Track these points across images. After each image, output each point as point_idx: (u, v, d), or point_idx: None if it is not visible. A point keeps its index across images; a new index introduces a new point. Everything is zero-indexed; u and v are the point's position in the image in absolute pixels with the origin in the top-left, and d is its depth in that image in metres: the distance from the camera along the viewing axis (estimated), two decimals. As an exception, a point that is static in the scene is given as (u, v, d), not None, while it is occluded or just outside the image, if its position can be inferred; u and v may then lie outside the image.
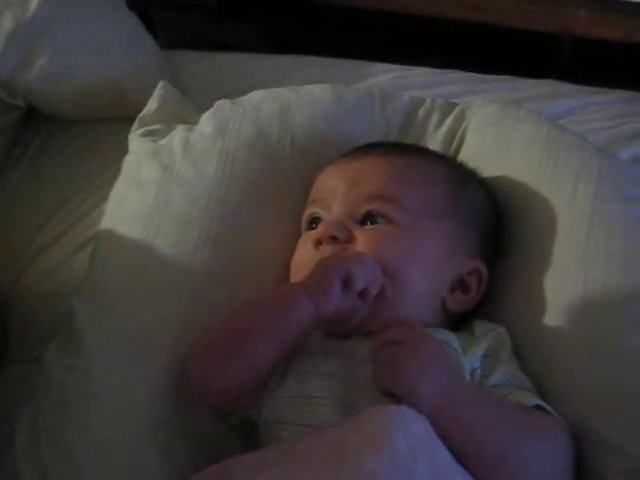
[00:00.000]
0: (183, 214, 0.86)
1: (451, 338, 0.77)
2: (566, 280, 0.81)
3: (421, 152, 0.89)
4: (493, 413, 0.70)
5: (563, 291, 0.81)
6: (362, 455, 0.62)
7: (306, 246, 0.82)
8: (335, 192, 0.83)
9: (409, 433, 0.63)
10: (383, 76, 1.17)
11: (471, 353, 0.76)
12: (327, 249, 0.79)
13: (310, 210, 0.85)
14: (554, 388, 0.77)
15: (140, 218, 0.87)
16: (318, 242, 0.80)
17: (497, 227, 0.87)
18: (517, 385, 0.75)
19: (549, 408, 0.74)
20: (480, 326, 0.80)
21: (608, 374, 0.76)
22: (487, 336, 0.78)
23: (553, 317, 0.80)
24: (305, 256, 0.81)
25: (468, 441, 0.67)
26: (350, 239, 0.79)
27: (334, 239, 0.79)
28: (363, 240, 0.79)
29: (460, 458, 0.66)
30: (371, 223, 0.80)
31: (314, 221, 0.84)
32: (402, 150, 0.87)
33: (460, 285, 0.82)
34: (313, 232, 0.83)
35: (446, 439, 0.65)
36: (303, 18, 1.49)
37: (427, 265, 0.80)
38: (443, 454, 0.65)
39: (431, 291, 0.80)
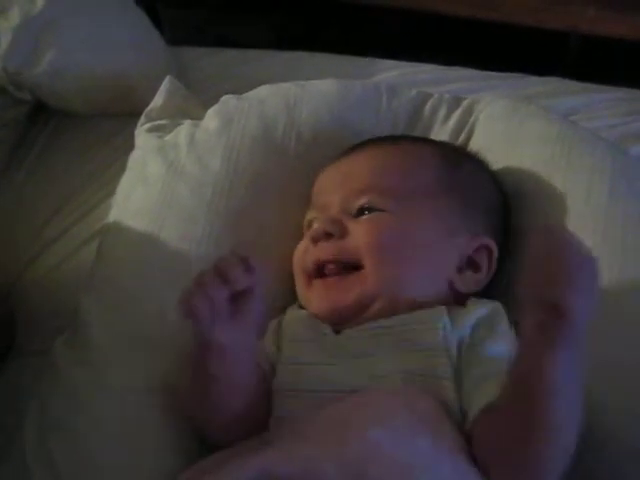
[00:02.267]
0: (187, 209, 0.86)
1: (439, 314, 0.74)
2: None
3: (413, 139, 0.89)
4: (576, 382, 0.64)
5: None
6: (365, 425, 0.63)
7: (304, 244, 0.83)
8: (330, 191, 0.84)
9: (414, 409, 0.64)
10: (390, 73, 1.17)
11: (460, 324, 0.74)
12: (324, 246, 0.80)
13: (309, 215, 0.86)
14: None
15: (146, 213, 0.87)
16: (315, 240, 0.81)
17: (503, 206, 0.86)
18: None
19: None
20: (473, 301, 0.78)
21: (625, 370, 0.76)
22: (478, 305, 0.76)
23: None
24: (303, 252, 0.82)
25: (557, 389, 0.62)
26: (344, 234, 0.80)
27: (329, 235, 0.80)
28: (357, 232, 0.79)
29: (526, 410, 0.62)
30: (362, 214, 0.81)
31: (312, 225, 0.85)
32: (393, 140, 0.88)
33: (470, 265, 0.81)
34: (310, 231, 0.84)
35: (552, 372, 0.61)
36: (309, 15, 1.49)
37: (426, 247, 0.79)
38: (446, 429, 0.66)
39: (434, 273, 0.80)
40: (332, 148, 0.90)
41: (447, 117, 0.97)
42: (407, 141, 0.88)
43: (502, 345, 0.72)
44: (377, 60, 1.20)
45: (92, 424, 0.77)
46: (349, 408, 0.67)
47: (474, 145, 0.94)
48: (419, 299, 0.77)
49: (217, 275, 0.68)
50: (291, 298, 0.85)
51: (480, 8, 1.35)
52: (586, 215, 0.82)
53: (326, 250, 0.80)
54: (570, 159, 0.86)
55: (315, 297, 0.80)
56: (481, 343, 0.72)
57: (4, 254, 1.03)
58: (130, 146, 0.98)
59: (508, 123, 0.93)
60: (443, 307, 0.75)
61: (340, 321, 0.79)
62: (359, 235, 0.79)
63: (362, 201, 0.81)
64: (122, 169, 0.96)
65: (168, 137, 0.93)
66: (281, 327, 0.81)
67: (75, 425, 0.77)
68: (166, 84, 1.02)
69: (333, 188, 0.84)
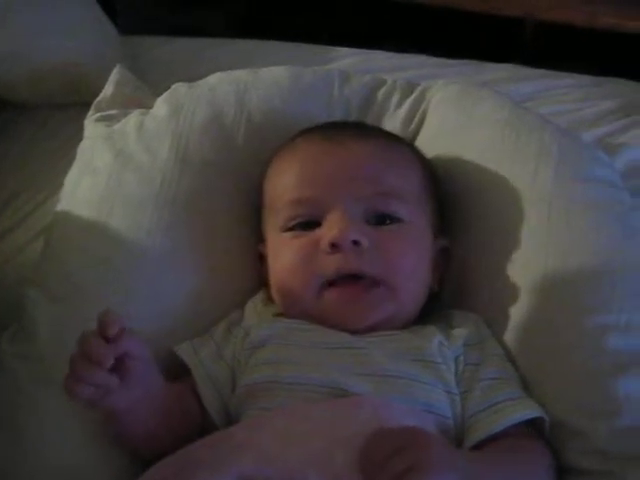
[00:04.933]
0: (135, 198, 0.85)
1: (435, 333, 0.77)
2: (526, 260, 0.80)
3: (388, 135, 0.88)
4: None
5: (524, 271, 0.80)
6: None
7: (302, 250, 0.77)
8: (330, 186, 0.78)
9: None
10: (347, 60, 1.17)
11: (453, 342, 0.77)
12: (352, 256, 0.75)
13: (293, 211, 0.79)
14: (520, 373, 0.77)
15: (93, 203, 0.85)
16: (334, 246, 0.75)
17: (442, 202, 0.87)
18: (508, 378, 0.76)
19: (544, 415, 0.74)
20: (457, 317, 0.81)
21: (568, 357, 0.76)
22: (465, 325, 0.79)
23: (514, 297, 0.80)
24: (304, 261, 0.76)
25: None
26: (373, 245, 0.76)
27: (356, 244, 0.76)
28: (386, 245, 0.77)
29: None
30: (384, 223, 0.78)
31: (303, 225, 0.78)
32: (374, 133, 0.86)
33: (435, 266, 0.83)
34: (314, 234, 0.77)
35: None
36: (264, 3, 1.48)
37: (426, 253, 0.81)
38: None
39: (427, 277, 0.82)
40: (283, 134, 0.88)
41: (400, 103, 0.96)
42: (384, 136, 0.86)
43: (493, 367, 0.76)
44: (332, 47, 1.20)
45: (33, 420, 0.76)
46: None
47: (426, 131, 0.94)
48: (417, 304, 0.81)
49: (85, 358, 0.65)
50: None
51: (437, -5, 1.35)
52: (531, 199, 0.82)
53: (358, 262, 0.75)
54: (518, 143, 0.86)
55: (334, 307, 0.76)
56: (479, 366, 0.76)
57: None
58: (81, 139, 0.95)
59: (459, 107, 0.93)
60: (435, 328, 0.78)
61: (357, 331, 0.77)
62: (390, 250, 0.77)
63: (390, 208, 0.79)
64: (72, 162, 0.93)
65: (117, 126, 0.92)
66: (249, 332, 0.79)
67: (16, 420, 0.76)
68: (115, 74, 1.00)
69: (336, 184, 0.78)
